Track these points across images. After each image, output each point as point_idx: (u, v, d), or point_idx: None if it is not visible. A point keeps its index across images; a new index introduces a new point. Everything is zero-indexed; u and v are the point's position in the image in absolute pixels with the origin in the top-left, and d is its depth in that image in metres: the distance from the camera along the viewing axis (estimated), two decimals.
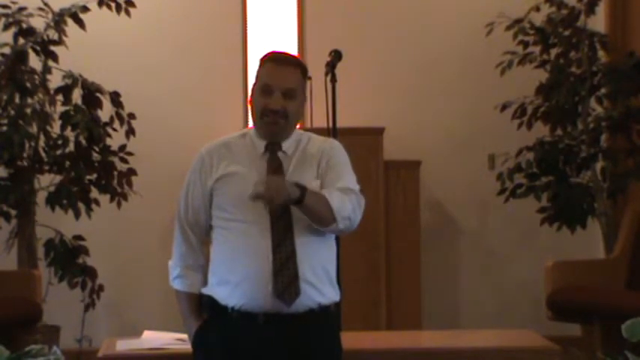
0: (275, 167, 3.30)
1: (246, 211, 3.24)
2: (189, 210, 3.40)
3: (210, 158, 3.35)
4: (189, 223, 3.41)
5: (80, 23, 5.86)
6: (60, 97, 5.92)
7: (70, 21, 5.87)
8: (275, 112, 3.28)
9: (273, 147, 3.33)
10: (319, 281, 3.28)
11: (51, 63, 5.92)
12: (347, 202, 3.29)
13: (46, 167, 5.93)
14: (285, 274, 3.20)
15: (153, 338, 3.99)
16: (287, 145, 3.35)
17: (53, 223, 5.99)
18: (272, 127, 3.30)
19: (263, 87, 3.31)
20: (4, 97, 5.77)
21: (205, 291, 3.36)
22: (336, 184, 3.31)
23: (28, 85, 5.86)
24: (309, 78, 5.39)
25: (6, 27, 5.85)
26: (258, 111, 3.32)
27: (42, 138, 5.90)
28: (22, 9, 5.87)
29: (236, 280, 3.24)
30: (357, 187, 3.37)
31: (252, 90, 3.37)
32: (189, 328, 3.42)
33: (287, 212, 3.24)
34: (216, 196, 3.31)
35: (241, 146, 3.35)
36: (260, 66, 3.38)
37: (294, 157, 3.34)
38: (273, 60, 3.37)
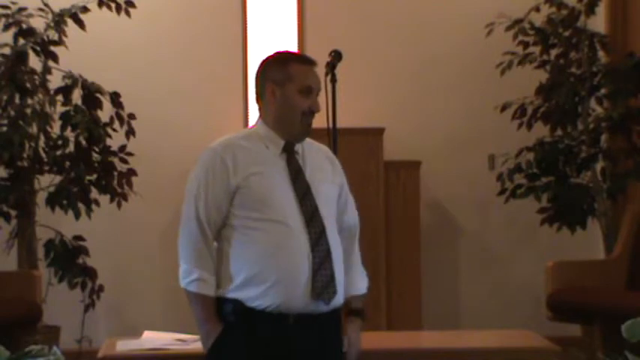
0: (296, 168, 3.32)
1: (278, 210, 3.24)
2: (211, 208, 3.30)
3: (231, 156, 3.28)
4: (209, 221, 3.31)
5: (80, 24, 5.86)
6: (60, 98, 5.93)
7: (70, 21, 5.88)
8: (315, 113, 3.34)
9: (289, 147, 3.34)
10: (342, 282, 3.33)
11: (51, 63, 5.92)
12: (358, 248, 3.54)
13: (46, 167, 5.93)
14: (323, 274, 3.23)
15: (153, 338, 3.99)
16: (296, 146, 3.38)
17: (53, 223, 5.99)
18: (309, 128, 3.35)
19: (304, 88, 3.32)
20: (4, 98, 5.77)
21: (226, 294, 3.28)
22: (356, 232, 3.53)
23: (28, 85, 5.86)
24: None
25: (6, 27, 5.85)
26: (297, 111, 3.31)
27: (42, 138, 5.90)
28: (22, 9, 5.87)
29: (273, 279, 3.20)
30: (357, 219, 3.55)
31: (282, 89, 3.32)
32: (209, 332, 3.30)
33: (317, 211, 3.28)
34: (242, 195, 3.26)
35: (255, 145, 3.33)
36: (284, 65, 3.34)
37: (306, 157, 3.37)
38: (305, 61, 3.40)
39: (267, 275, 3.21)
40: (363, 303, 3.52)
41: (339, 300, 3.31)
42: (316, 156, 3.40)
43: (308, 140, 3.43)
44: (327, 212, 3.30)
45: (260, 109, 3.40)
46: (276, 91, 3.32)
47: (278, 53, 3.46)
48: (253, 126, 3.43)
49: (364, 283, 3.52)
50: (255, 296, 3.22)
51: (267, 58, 3.41)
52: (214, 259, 3.33)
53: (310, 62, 3.39)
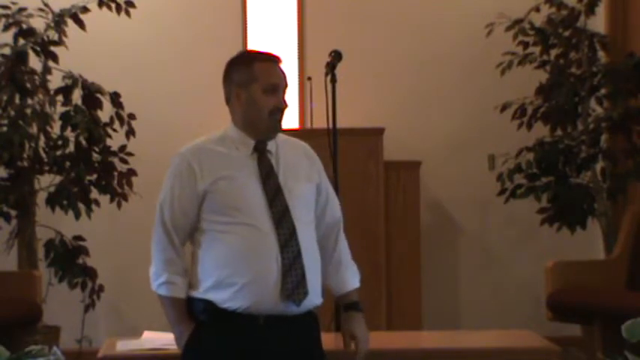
0: (268, 168, 3.30)
1: (247, 213, 3.23)
2: (177, 214, 3.33)
3: (197, 161, 3.30)
4: (176, 227, 3.34)
5: (80, 24, 5.86)
6: (60, 98, 5.93)
7: (70, 21, 5.88)
8: (282, 110, 3.31)
9: (261, 146, 3.33)
10: (317, 282, 3.32)
11: (51, 63, 5.92)
12: (345, 242, 3.52)
13: (46, 168, 5.93)
14: (293, 275, 3.21)
15: (153, 338, 3.99)
16: (270, 144, 3.35)
17: (53, 223, 5.99)
18: (278, 125, 3.32)
19: (269, 87, 3.30)
20: (4, 98, 5.77)
21: (197, 295, 3.30)
22: (339, 221, 3.48)
23: (28, 85, 5.86)
24: (309, 78, 5.40)
25: (6, 27, 5.85)
26: (264, 111, 3.29)
27: (42, 138, 5.90)
28: (22, 10, 5.87)
29: (242, 282, 3.21)
30: (340, 212, 3.53)
31: (247, 91, 3.31)
32: (181, 332, 3.34)
33: (287, 212, 3.26)
34: (211, 199, 3.27)
35: (225, 148, 3.33)
36: (247, 66, 3.33)
37: (280, 157, 3.35)
38: (267, 59, 3.37)
39: (237, 278, 3.21)
40: (358, 296, 3.52)
41: (312, 301, 3.28)
42: (292, 154, 3.38)
43: (284, 138, 3.41)
44: (300, 212, 3.29)
45: (230, 112, 3.39)
46: (241, 94, 3.32)
47: (241, 53, 3.47)
48: (226, 128, 3.41)
49: (356, 278, 3.53)
50: (226, 298, 3.23)
51: (232, 60, 3.39)
52: (184, 262, 3.37)
53: (274, 59, 3.36)
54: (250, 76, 3.32)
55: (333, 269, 3.46)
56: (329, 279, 3.46)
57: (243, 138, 3.33)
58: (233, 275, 3.22)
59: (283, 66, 3.37)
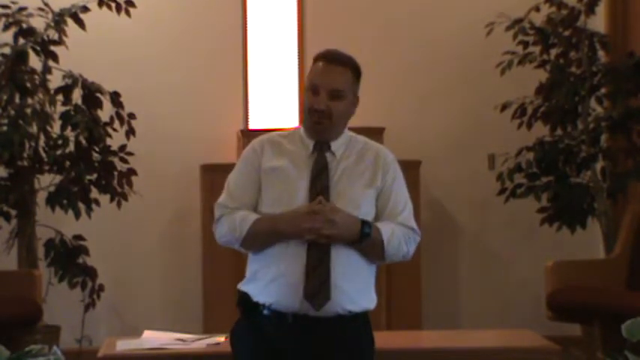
0: (320, 167, 3.29)
1: (287, 207, 3.24)
2: (239, 187, 3.32)
3: (261, 147, 3.35)
4: (234, 197, 3.31)
5: (80, 23, 5.86)
6: (60, 97, 5.92)
7: (70, 21, 5.87)
8: (320, 111, 3.29)
9: (321, 146, 3.33)
10: (353, 288, 3.25)
11: (51, 63, 5.92)
12: (404, 246, 3.31)
13: (46, 167, 5.93)
14: (316, 276, 3.19)
15: (153, 338, 3.99)
16: (336, 145, 3.35)
17: (53, 223, 5.99)
18: (316, 126, 3.31)
19: (310, 86, 3.32)
20: (4, 97, 5.77)
21: (240, 286, 3.36)
22: (400, 215, 3.33)
23: (29, 85, 5.86)
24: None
25: (6, 27, 5.85)
26: (305, 110, 3.34)
27: (42, 138, 5.90)
28: (22, 9, 5.87)
29: (268, 278, 3.24)
30: (414, 223, 3.37)
31: (305, 90, 3.38)
32: (278, 219, 3.24)
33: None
34: (263, 188, 3.30)
35: (290, 143, 3.36)
36: (313, 63, 3.39)
37: (345, 160, 3.34)
38: (324, 58, 3.38)
39: (267, 272, 3.25)
40: (377, 236, 3.27)
41: (340, 308, 3.23)
42: (357, 157, 3.37)
43: (363, 140, 3.43)
44: None
45: None
46: (305, 89, 3.38)
47: (322, 51, 3.45)
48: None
49: (388, 231, 3.27)
50: (257, 292, 3.27)
51: None
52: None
53: (331, 60, 3.36)
54: (309, 73, 3.39)
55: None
56: None
57: (306, 136, 3.36)
58: (264, 269, 3.25)
59: (346, 69, 3.35)
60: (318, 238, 3.18)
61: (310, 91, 3.32)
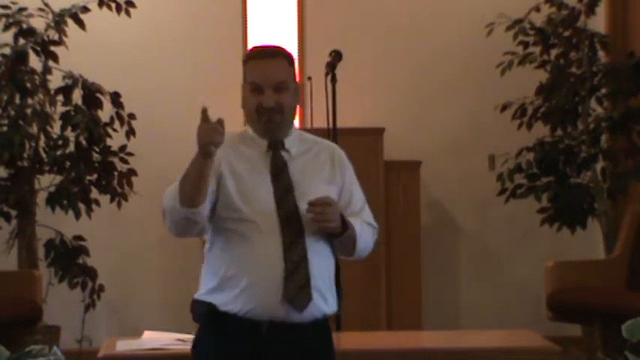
0: (279, 167, 3.17)
1: (252, 211, 3.09)
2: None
3: (221, 148, 3.13)
4: None
5: (80, 24, 5.87)
6: (60, 98, 5.93)
7: (70, 21, 5.88)
8: (270, 109, 3.18)
9: (276, 145, 3.21)
10: (326, 289, 3.14)
11: (51, 63, 5.93)
12: (371, 243, 3.26)
13: (47, 167, 5.93)
14: (296, 279, 3.04)
15: (153, 338, 3.99)
16: (290, 143, 3.23)
17: (53, 223, 5.99)
18: (269, 125, 3.19)
19: (252, 87, 3.22)
20: (5, 98, 5.78)
21: (200, 297, 3.15)
22: (361, 212, 3.26)
23: (29, 85, 5.87)
24: (309, 78, 5.36)
25: (6, 27, 5.85)
26: (252, 111, 3.22)
27: (42, 138, 5.90)
28: (22, 9, 5.87)
29: (243, 284, 3.05)
30: (374, 220, 3.31)
31: (242, 91, 3.28)
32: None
33: (296, 212, 3.10)
34: (220, 193, 3.13)
35: (244, 145, 3.23)
36: (244, 65, 3.29)
37: (301, 157, 3.22)
38: (256, 56, 3.28)
39: (239, 279, 3.06)
40: (352, 232, 3.16)
41: (319, 309, 3.10)
42: (314, 155, 3.25)
43: (314, 138, 3.30)
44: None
45: None
46: (242, 93, 3.27)
47: (248, 50, 3.38)
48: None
49: (358, 226, 3.19)
50: (227, 301, 3.08)
51: None
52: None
53: (264, 55, 3.27)
54: (244, 76, 3.28)
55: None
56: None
57: (257, 137, 3.24)
58: (236, 276, 3.07)
59: (281, 60, 3.23)
60: (319, 228, 3.07)
61: (253, 91, 3.21)
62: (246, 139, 3.26)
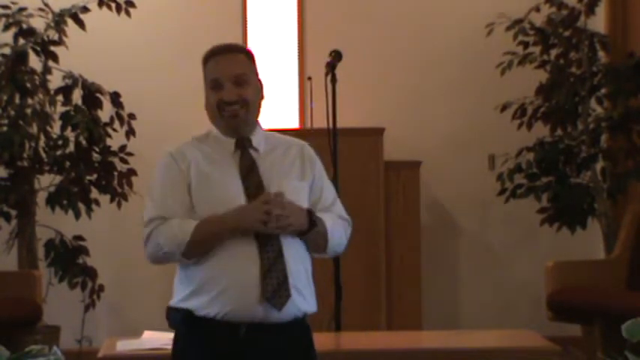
0: (248, 165, 3.13)
1: (221, 212, 3.05)
2: (170, 203, 3.16)
3: (181, 158, 3.16)
4: (172, 212, 3.15)
5: (80, 24, 5.87)
6: (60, 98, 5.93)
7: (70, 21, 5.88)
8: (231, 102, 3.13)
9: (243, 143, 3.16)
10: (304, 287, 3.09)
11: (51, 63, 5.93)
12: (344, 237, 3.23)
13: (47, 167, 5.93)
14: (273, 276, 2.99)
15: (153, 338, 3.99)
16: (257, 141, 3.18)
17: (53, 223, 5.99)
18: (233, 120, 3.14)
19: (212, 83, 3.16)
20: (5, 98, 5.78)
21: (175, 304, 3.11)
22: (332, 207, 3.22)
23: (29, 85, 5.87)
24: (309, 78, 5.35)
25: (6, 27, 5.85)
26: (214, 108, 3.16)
27: (42, 138, 5.90)
28: (22, 9, 5.87)
29: (220, 286, 3.00)
30: (346, 214, 3.27)
31: (205, 91, 3.22)
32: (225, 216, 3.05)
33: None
34: (194, 198, 3.11)
35: (209, 147, 3.19)
36: (203, 67, 3.26)
37: (269, 155, 3.18)
38: (213, 54, 3.27)
39: (216, 282, 3.01)
40: (321, 228, 3.13)
41: (297, 307, 3.05)
42: (282, 152, 3.20)
43: (280, 136, 3.27)
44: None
45: None
46: (205, 94, 3.23)
47: (206, 52, 3.33)
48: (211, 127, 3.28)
49: (329, 221, 3.16)
50: (203, 305, 3.03)
51: None
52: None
53: (221, 52, 3.25)
54: (204, 76, 3.25)
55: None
56: None
57: (222, 136, 3.19)
58: (212, 279, 3.02)
59: (239, 54, 3.22)
60: (271, 229, 3.00)
61: (213, 89, 3.16)
62: (210, 140, 3.22)
